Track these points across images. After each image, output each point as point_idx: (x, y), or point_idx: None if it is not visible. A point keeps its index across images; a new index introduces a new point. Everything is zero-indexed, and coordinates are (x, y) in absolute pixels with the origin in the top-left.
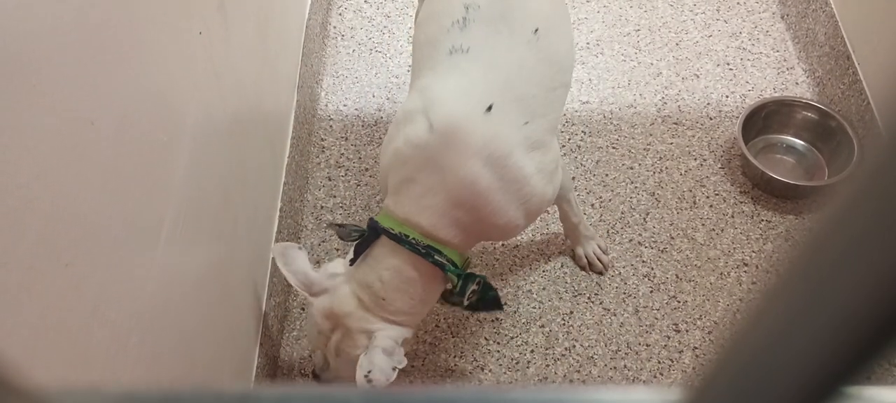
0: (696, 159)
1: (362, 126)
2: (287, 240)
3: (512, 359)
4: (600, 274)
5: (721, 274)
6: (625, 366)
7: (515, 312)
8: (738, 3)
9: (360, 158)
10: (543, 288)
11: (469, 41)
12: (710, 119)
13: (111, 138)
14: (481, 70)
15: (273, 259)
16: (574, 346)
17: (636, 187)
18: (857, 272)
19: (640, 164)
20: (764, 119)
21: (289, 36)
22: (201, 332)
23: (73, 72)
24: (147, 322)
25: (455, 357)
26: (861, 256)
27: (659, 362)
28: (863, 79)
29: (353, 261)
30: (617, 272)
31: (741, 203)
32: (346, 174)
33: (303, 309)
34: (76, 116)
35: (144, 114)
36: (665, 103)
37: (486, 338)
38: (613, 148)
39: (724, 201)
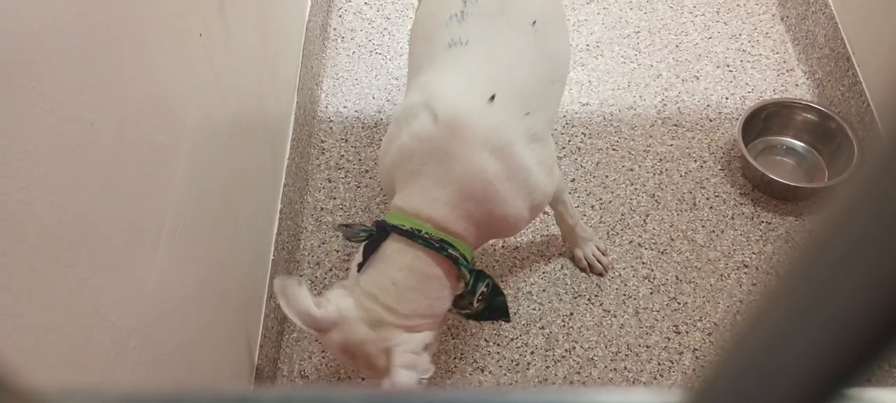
0: (696, 161)
1: (362, 128)
2: (287, 240)
3: (512, 361)
4: (600, 275)
5: (721, 275)
6: (625, 368)
7: (515, 314)
8: (737, 5)
9: (360, 160)
10: (543, 290)
11: (467, 34)
12: (710, 121)
13: (111, 140)
14: (481, 62)
15: (273, 260)
16: (574, 348)
17: (636, 189)
18: (857, 274)
19: (639, 166)
20: (764, 121)
21: (289, 38)
22: (201, 334)
23: (73, 74)
24: (147, 323)
25: (455, 358)
26: (861, 258)
27: (659, 363)
28: (863, 80)
29: (361, 265)
30: (617, 273)
31: (741, 204)
32: (346, 176)
33: None
34: (76, 118)
35: (144, 116)
36: (665, 105)
37: (485, 340)
38: (613, 149)
39: (724, 203)
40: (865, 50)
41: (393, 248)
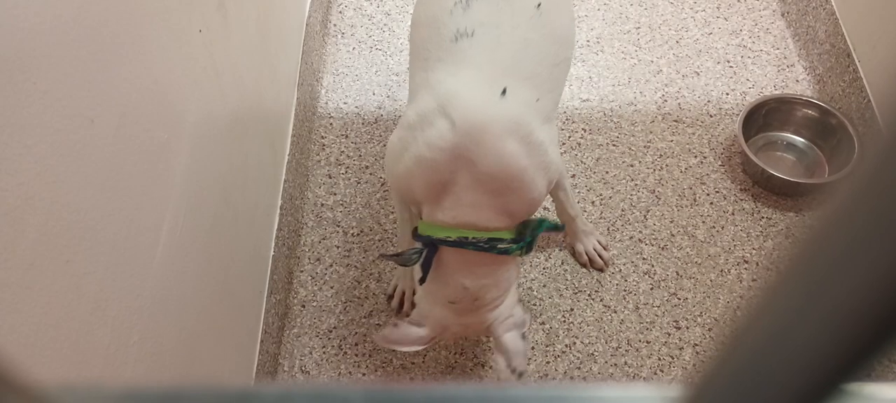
0: (696, 156)
1: (362, 124)
2: (287, 236)
3: None
4: (601, 270)
5: (721, 271)
6: (625, 363)
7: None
8: (738, 1)
9: (360, 156)
10: (544, 286)
11: (473, 22)
12: (711, 116)
13: (111, 136)
14: (489, 54)
15: (273, 256)
16: (574, 343)
17: (636, 184)
18: (857, 269)
19: (640, 162)
20: (764, 116)
21: (289, 34)
22: (202, 330)
23: (72, 71)
24: (148, 319)
25: (455, 354)
26: (861, 253)
27: (659, 359)
28: (863, 76)
29: (422, 280)
30: (617, 269)
31: (741, 200)
32: (346, 172)
33: (303, 307)
34: (76, 114)
35: (144, 112)
36: (665, 101)
37: (486, 336)
38: (614, 145)
39: (725, 198)
40: (866, 46)
41: (449, 261)
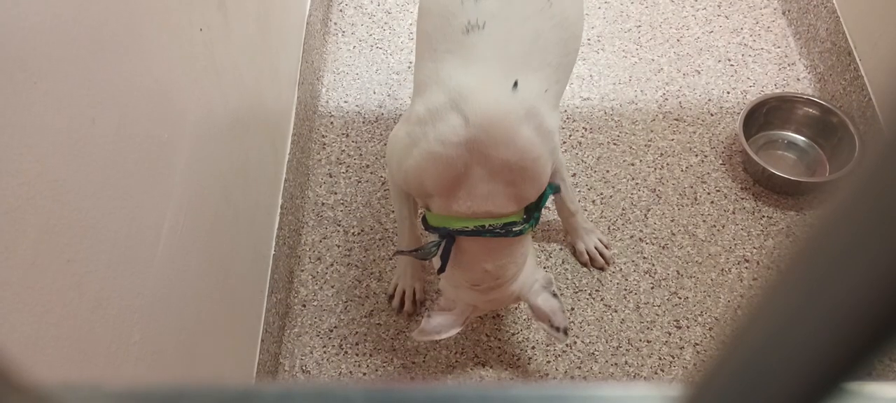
0: (697, 155)
1: (363, 122)
2: (288, 235)
3: (513, 356)
4: (602, 269)
5: (722, 270)
6: (626, 362)
7: (516, 309)
8: None
9: (360, 155)
10: None
11: (484, 14)
12: (712, 115)
13: (112, 135)
14: (500, 47)
15: (274, 255)
16: (575, 343)
17: (637, 183)
18: (858, 267)
19: (641, 161)
20: (765, 115)
21: (289, 32)
22: (203, 329)
23: (73, 70)
24: (148, 318)
25: (456, 353)
26: (862, 252)
27: (660, 358)
28: (864, 75)
29: (441, 269)
30: (618, 268)
31: (742, 199)
32: (346, 170)
33: (304, 306)
34: (77, 114)
35: (145, 111)
36: (666, 99)
37: (487, 335)
38: (614, 144)
39: (726, 197)
40: (867, 44)
41: (468, 249)
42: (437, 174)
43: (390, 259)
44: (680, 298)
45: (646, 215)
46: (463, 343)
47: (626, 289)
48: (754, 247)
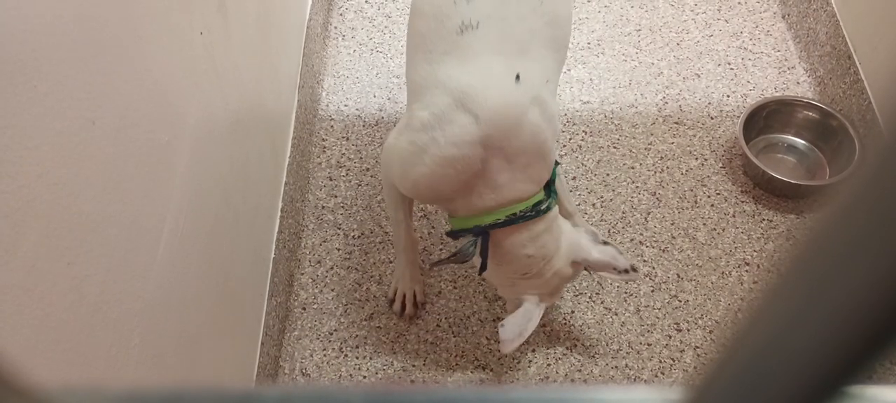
0: (697, 159)
1: (363, 126)
2: (288, 238)
3: (513, 359)
4: None
5: (722, 273)
6: (626, 365)
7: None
8: (739, 3)
9: (361, 158)
10: None
11: (477, 14)
12: (712, 118)
13: (112, 138)
14: (497, 44)
15: (274, 258)
16: (575, 345)
17: (637, 187)
18: (858, 271)
19: (641, 164)
20: (765, 118)
21: (290, 36)
22: (203, 332)
23: (73, 72)
24: (149, 321)
25: (456, 356)
26: (862, 255)
27: (660, 361)
28: (864, 78)
29: (482, 268)
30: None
31: (742, 202)
32: (347, 174)
33: (304, 309)
34: (77, 116)
35: (145, 114)
36: (666, 103)
37: (487, 338)
38: (614, 147)
39: (726, 200)
40: (867, 47)
41: (505, 241)
42: (455, 176)
43: (392, 262)
44: (680, 301)
45: (646, 218)
46: (463, 346)
47: (626, 292)
48: (754, 251)
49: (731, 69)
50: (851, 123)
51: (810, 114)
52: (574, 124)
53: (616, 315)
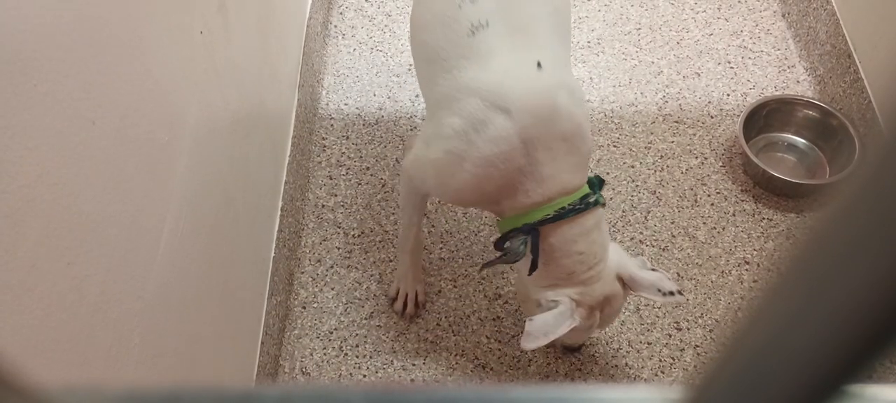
0: (697, 157)
1: (363, 125)
2: (288, 237)
3: (513, 358)
4: None
5: (722, 272)
6: (626, 365)
7: (517, 310)
8: (739, 2)
9: (361, 157)
10: None
11: (485, 14)
12: (712, 117)
13: (112, 138)
14: (510, 38)
15: (274, 257)
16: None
17: (637, 185)
18: (858, 270)
19: (641, 163)
20: (765, 117)
21: (290, 35)
22: (203, 331)
23: (73, 72)
24: (149, 321)
25: (456, 355)
26: (862, 254)
27: (660, 360)
28: (864, 77)
29: (533, 268)
30: None
31: (742, 201)
32: (347, 173)
33: (304, 308)
34: (77, 116)
35: (145, 113)
36: (666, 101)
37: (487, 337)
38: (614, 146)
39: (726, 199)
40: (867, 46)
41: (556, 237)
42: (498, 175)
43: (392, 261)
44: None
45: (646, 217)
46: (463, 345)
47: None
48: (754, 249)
49: (731, 68)
50: (851, 122)
51: (810, 112)
52: None
53: None
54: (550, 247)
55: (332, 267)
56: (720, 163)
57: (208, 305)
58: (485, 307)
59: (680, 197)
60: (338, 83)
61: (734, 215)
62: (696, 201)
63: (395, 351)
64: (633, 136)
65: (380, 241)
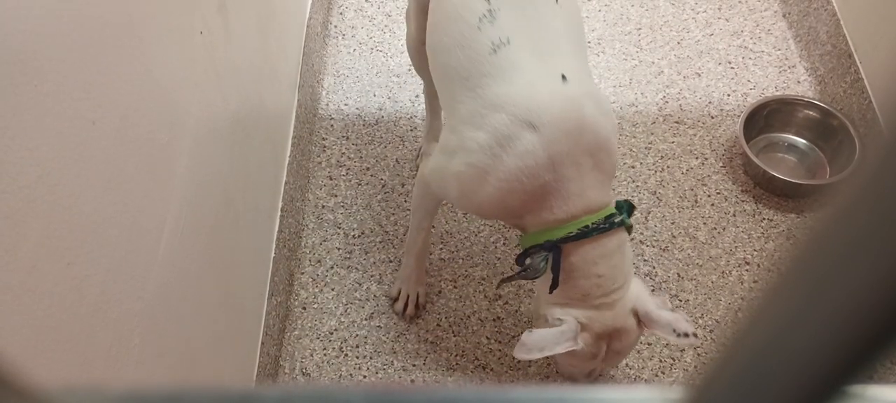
0: (697, 158)
1: (363, 125)
2: (288, 238)
3: (513, 358)
4: None
5: (722, 272)
6: (626, 365)
7: (517, 311)
8: (739, 2)
9: (361, 157)
10: None
11: (505, 32)
12: (712, 117)
13: (112, 138)
14: (532, 53)
15: (274, 258)
16: None
17: (638, 186)
18: (858, 270)
19: (641, 163)
20: (765, 117)
21: (290, 35)
22: (203, 331)
23: (73, 73)
24: (149, 321)
25: (456, 356)
26: (862, 254)
27: (660, 360)
28: (864, 77)
29: (553, 286)
30: None
31: (743, 201)
32: (347, 173)
33: (304, 309)
34: (77, 116)
35: (145, 114)
36: (666, 102)
37: (487, 337)
38: None
39: (726, 200)
40: (867, 46)
41: (577, 256)
42: (524, 191)
43: (392, 261)
44: (680, 301)
45: (646, 217)
46: (463, 345)
47: None
48: (755, 250)
49: (732, 68)
50: (852, 122)
51: (811, 113)
52: None
53: None
54: (570, 266)
55: (332, 267)
56: (721, 164)
57: (208, 305)
58: (485, 308)
59: (680, 197)
60: (338, 83)
61: (734, 215)
62: (696, 201)
63: (395, 352)
64: (634, 137)
65: (380, 242)
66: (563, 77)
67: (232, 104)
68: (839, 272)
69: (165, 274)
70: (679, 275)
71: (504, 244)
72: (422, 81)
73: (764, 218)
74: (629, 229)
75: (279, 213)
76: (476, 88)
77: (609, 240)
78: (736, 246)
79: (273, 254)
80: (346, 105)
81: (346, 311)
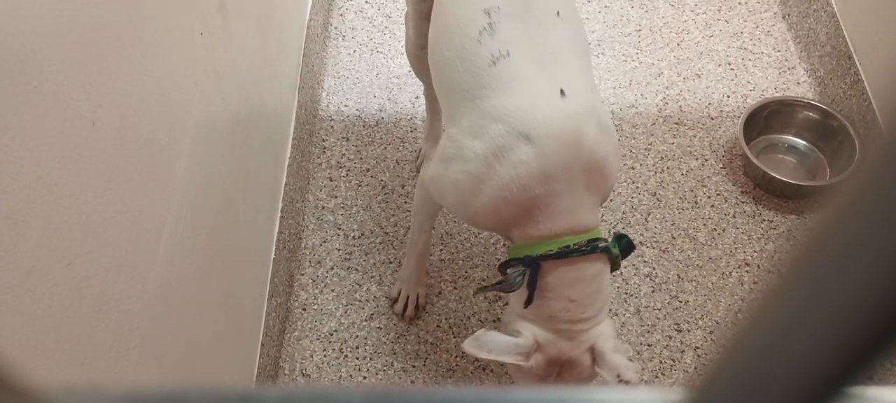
0: (697, 159)
1: (363, 126)
2: (288, 239)
3: None
4: None
5: (722, 273)
6: None
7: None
8: (739, 4)
9: (361, 159)
10: None
11: (505, 44)
12: (712, 119)
13: (112, 139)
14: (532, 65)
15: (274, 259)
16: None
17: (638, 187)
18: (858, 271)
19: (641, 164)
20: (765, 119)
21: (290, 36)
22: (203, 332)
23: (73, 73)
24: (149, 322)
25: (456, 357)
26: (862, 256)
27: (661, 362)
28: (864, 78)
29: (528, 302)
30: (618, 272)
31: (743, 203)
32: (347, 174)
33: (304, 310)
34: (77, 117)
35: (145, 114)
36: (666, 103)
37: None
38: None
39: (726, 201)
40: (867, 47)
41: (554, 275)
42: (517, 202)
43: (392, 263)
44: (680, 302)
45: (646, 219)
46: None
47: (626, 293)
48: (755, 251)
49: (732, 69)
50: (852, 123)
51: (811, 114)
52: None
53: (616, 315)
54: (546, 285)
55: (332, 268)
56: (720, 165)
57: (208, 306)
58: (485, 309)
59: (680, 198)
60: (338, 84)
61: (734, 217)
62: (696, 203)
63: (395, 353)
64: (634, 138)
65: (380, 243)
66: (562, 92)
67: (232, 105)
68: (839, 272)
69: (165, 275)
70: (679, 276)
71: (504, 246)
72: (421, 84)
73: (764, 220)
74: (616, 265)
75: (279, 214)
76: (476, 100)
77: (589, 266)
78: (736, 248)
79: (273, 255)
80: (346, 106)
81: (346, 312)
